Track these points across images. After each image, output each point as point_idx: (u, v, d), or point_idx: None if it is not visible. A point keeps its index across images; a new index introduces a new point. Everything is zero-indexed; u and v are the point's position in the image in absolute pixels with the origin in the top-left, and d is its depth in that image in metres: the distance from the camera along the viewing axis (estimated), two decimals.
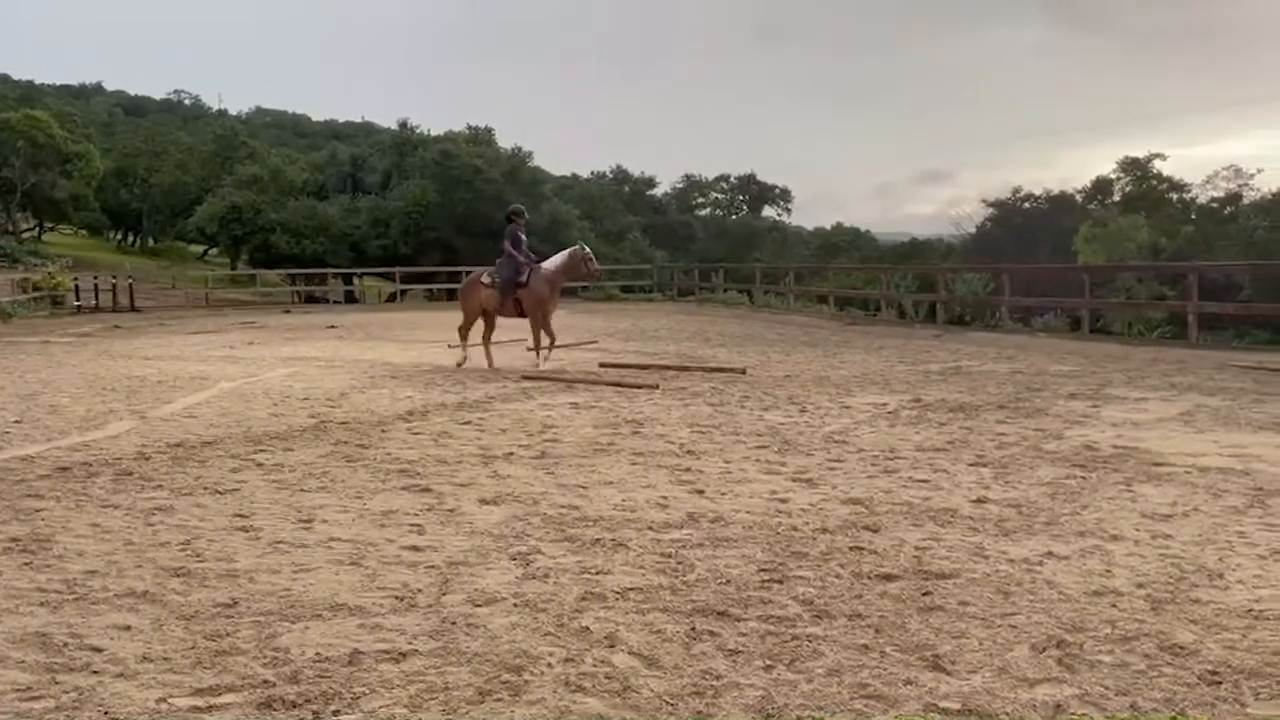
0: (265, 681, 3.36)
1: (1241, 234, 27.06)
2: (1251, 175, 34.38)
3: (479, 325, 14.35)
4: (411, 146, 43.42)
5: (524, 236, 14.74)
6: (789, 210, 64.34)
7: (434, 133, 45.19)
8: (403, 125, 45.86)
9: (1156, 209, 38.79)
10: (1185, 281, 18.62)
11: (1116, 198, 43.08)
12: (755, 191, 61.83)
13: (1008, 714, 3.04)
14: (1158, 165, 43.35)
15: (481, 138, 44.88)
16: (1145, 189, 43.09)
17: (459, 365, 13.99)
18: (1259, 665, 3.38)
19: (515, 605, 4.10)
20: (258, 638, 3.75)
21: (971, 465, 7.02)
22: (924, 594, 4.17)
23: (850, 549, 4.89)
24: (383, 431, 8.66)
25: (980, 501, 5.92)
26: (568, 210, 44.70)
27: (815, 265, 37.72)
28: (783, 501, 5.96)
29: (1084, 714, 3.03)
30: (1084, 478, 6.56)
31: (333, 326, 23.59)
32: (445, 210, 40.34)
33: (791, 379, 12.45)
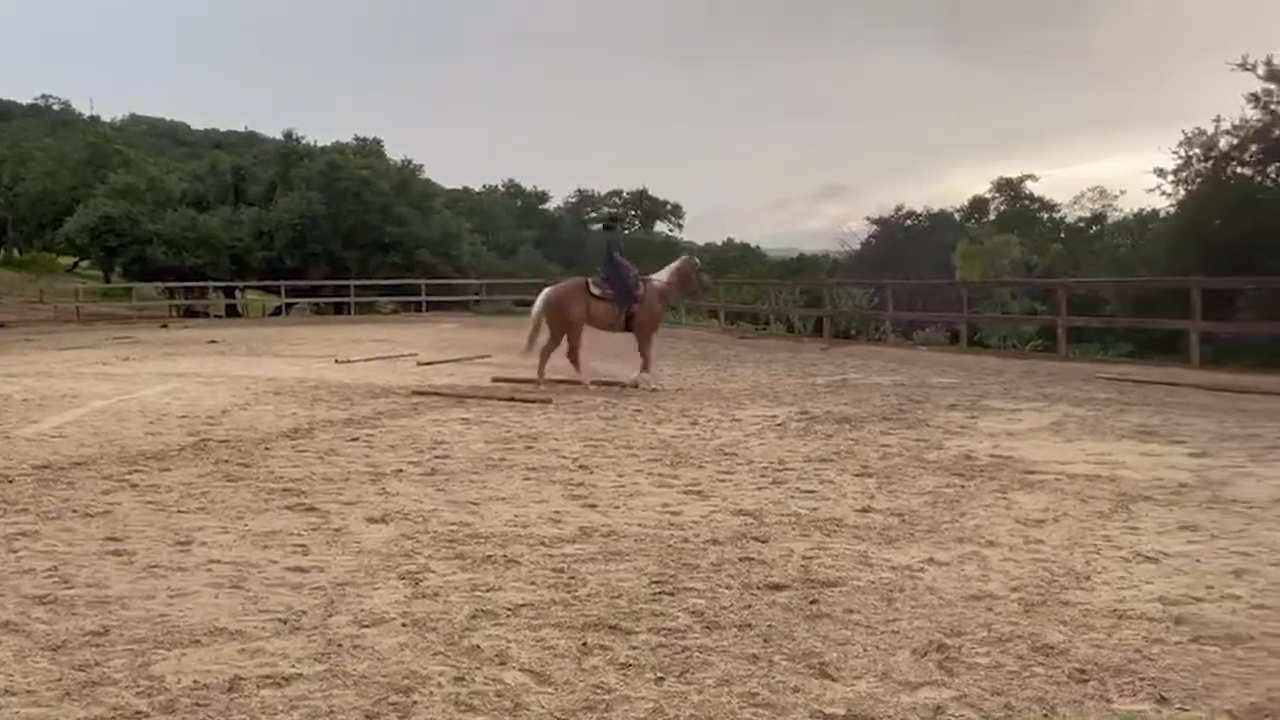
0: (139, 712, 3.21)
1: (1106, 252, 28.51)
2: (1115, 196, 36.29)
3: (543, 334, 13.01)
4: (297, 157, 42.38)
5: (622, 245, 14.05)
6: (680, 226, 65.21)
7: (321, 144, 44.20)
8: (288, 135, 44.72)
9: (1029, 227, 40.57)
10: (1055, 297, 19.52)
11: (992, 216, 44.94)
12: (647, 207, 62.43)
13: (890, 718, 3.12)
14: (1030, 186, 45.44)
15: (370, 149, 44.12)
16: (1018, 208, 45.08)
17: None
18: (1123, 663, 3.56)
19: (404, 625, 4.03)
20: (131, 666, 3.59)
21: (857, 476, 7.21)
22: (811, 603, 4.26)
23: (740, 560, 4.97)
24: (266, 449, 8.39)
25: (865, 511, 6.08)
26: (459, 223, 44.26)
27: (706, 281, 38.17)
28: (674, 514, 6.01)
29: (961, 715, 3.14)
30: (963, 486, 6.81)
31: (214, 341, 22.77)
32: (332, 222, 39.47)
33: (684, 392, 12.58)
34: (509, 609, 4.21)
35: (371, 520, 5.86)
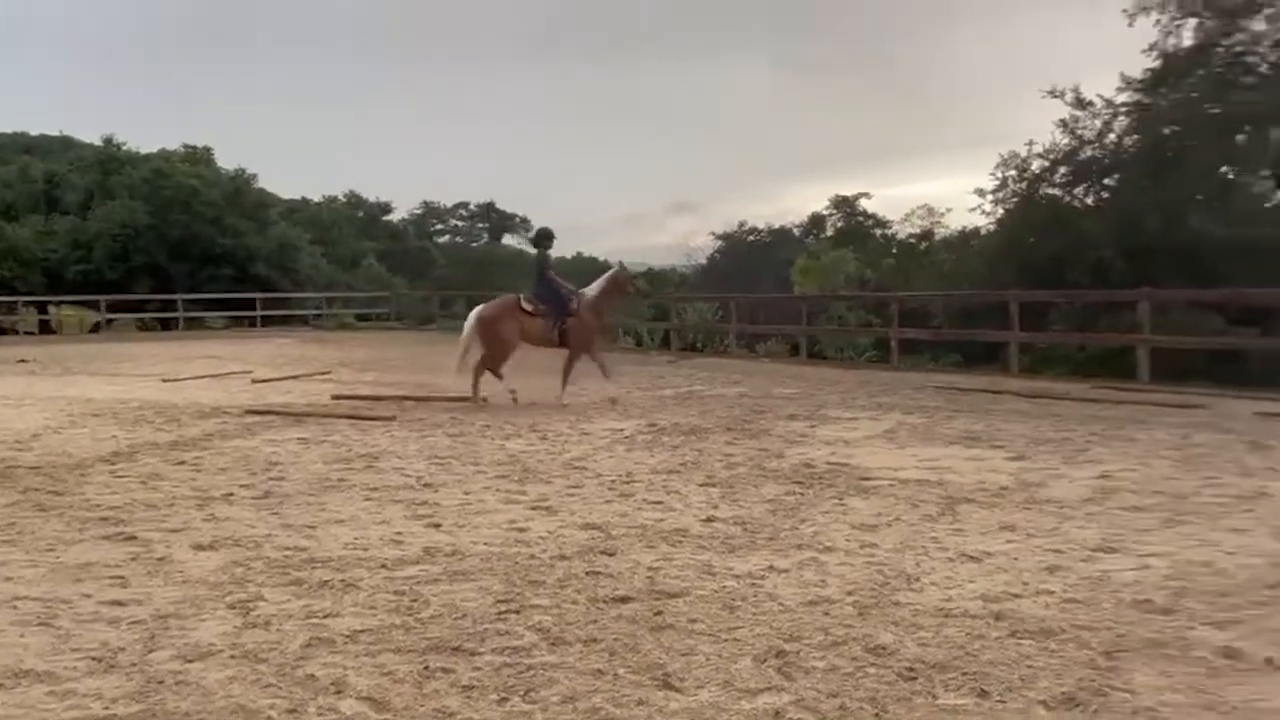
0: None
1: (934, 266, 29.99)
2: (942, 214, 38.22)
3: (474, 353, 12.86)
4: (118, 164, 39.94)
5: (553, 261, 13.50)
6: (530, 239, 65.10)
7: (145, 150, 41.82)
8: (107, 141, 42.10)
9: (864, 243, 42.29)
10: (888, 310, 20.43)
11: (830, 232, 46.67)
12: (495, 220, 61.95)
13: None
14: (864, 203, 47.45)
15: (200, 157, 42.02)
16: (854, 225, 46.98)
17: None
18: (948, 659, 3.73)
19: (232, 657, 3.83)
20: None
21: (702, 486, 7.33)
22: (656, 614, 4.29)
23: (587, 574, 4.96)
24: (81, 475, 7.85)
25: (709, 520, 6.18)
26: (298, 234, 42.73)
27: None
28: (522, 530, 5.95)
29: (800, 718, 3.22)
30: (802, 494, 7.01)
31: (24, 361, 21.16)
32: (158, 233, 37.41)
33: (534, 407, 12.50)
34: (346, 636, 4.06)
35: (199, 548, 5.55)
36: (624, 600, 4.50)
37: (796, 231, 48.05)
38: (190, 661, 3.79)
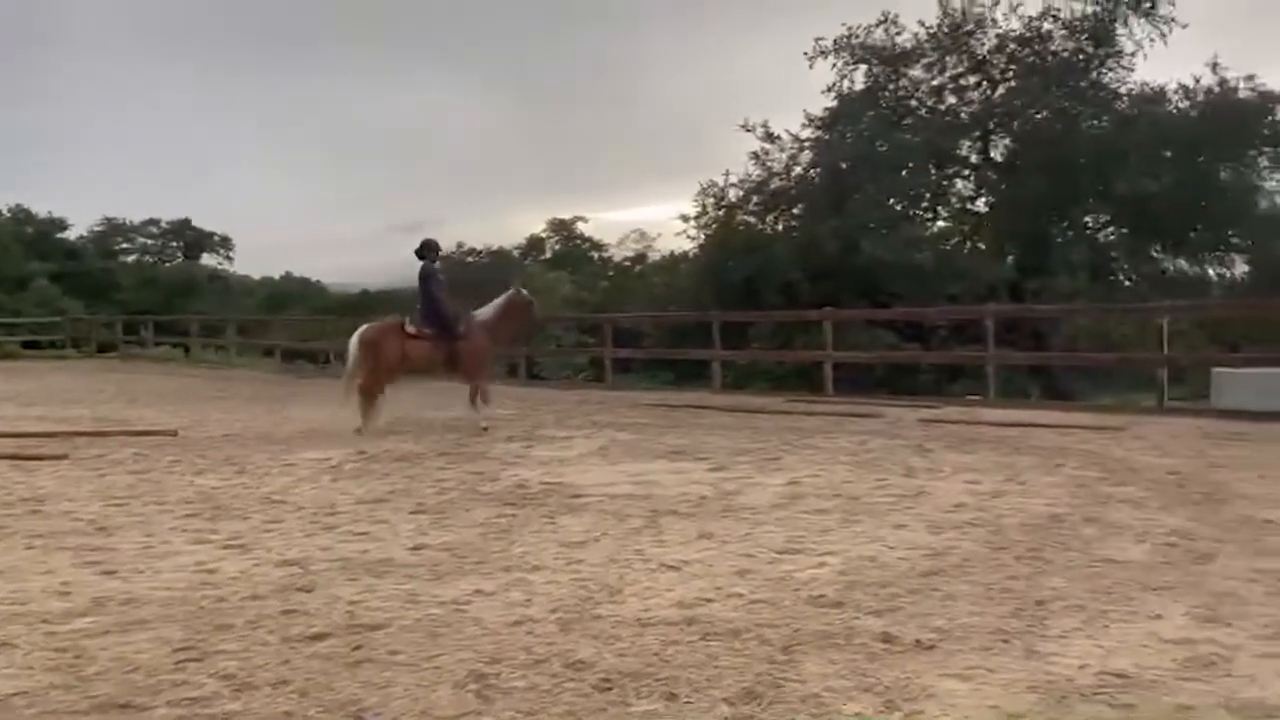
0: None
1: (646, 288, 31.24)
2: (655, 238, 39.87)
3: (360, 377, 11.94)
4: None
5: (444, 277, 12.23)
6: (230, 258, 60.94)
7: None
8: None
9: (580, 265, 43.27)
10: (602, 330, 21.01)
11: (548, 255, 47.37)
12: (191, 238, 57.54)
13: None
14: (581, 226, 48.57)
15: None
16: (571, 247, 47.97)
17: (359, 431, 11.62)
18: (642, 667, 3.88)
19: None
20: None
21: (411, 513, 7.18)
22: (354, 649, 4.15)
23: (281, 613, 4.71)
24: None
25: (418, 548, 6.06)
26: None
27: (261, 317, 36.06)
28: (210, 572, 5.55)
29: None
30: (514, 515, 7.05)
31: None
32: None
33: (231, 438, 11.74)
34: None
35: None
36: (320, 637, 4.32)
37: (516, 253, 48.35)
38: None
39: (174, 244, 56.87)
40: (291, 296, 48.53)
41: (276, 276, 57.84)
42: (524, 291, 12.99)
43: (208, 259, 58.43)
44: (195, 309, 40.57)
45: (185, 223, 57.51)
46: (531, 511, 7.17)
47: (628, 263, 41.21)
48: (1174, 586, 4.95)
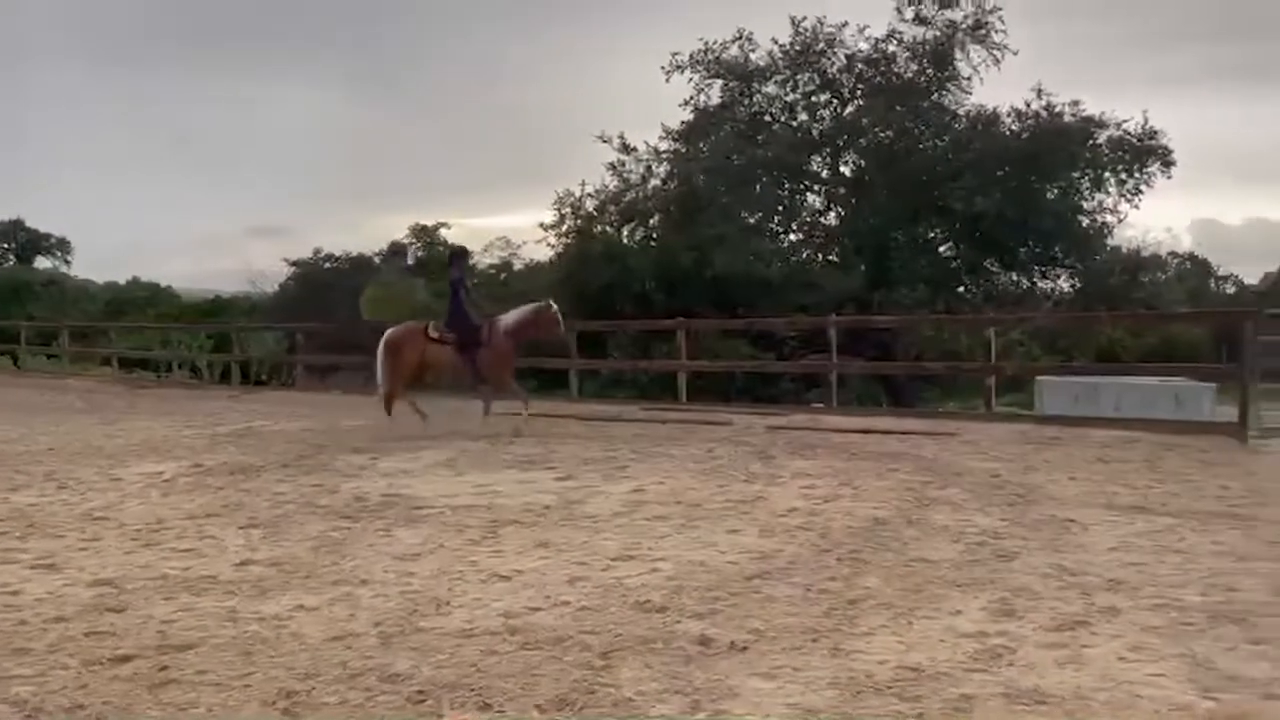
0: None
1: (511, 295, 31.05)
2: (519, 246, 39.63)
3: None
4: None
5: (468, 283, 12.30)
6: (69, 261, 57.58)
7: None
8: None
9: (443, 272, 42.63)
10: None
11: (410, 261, 46.49)
12: (25, 240, 54.12)
13: None
14: (444, 233, 47.88)
15: None
16: (433, 253, 47.23)
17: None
18: (459, 678, 3.89)
19: None
20: None
21: (242, 528, 6.96)
22: (160, 670, 4.01)
23: (86, 635, 4.51)
24: None
25: (244, 564, 5.89)
26: None
27: (97, 323, 34.17)
28: (13, 594, 5.26)
29: None
30: (349, 528, 6.92)
31: None
32: None
33: (56, 452, 11.11)
34: None
35: None
36: (125, 659, 4.16)
37: (377, 259, 47.29)
38: None
39: (4, 246, 53.41)
40: (136, 302, 46.22)
41: (122, 281, 55.04)
42: (553, 305, 12.88)
43: (43, 262, 55.14)
44: (32, 315, 38.10)
45: (18, 224, 54.13)
46: (368, 524, 7.05)
47: (492, 270, 40.86)
48: (977, 583, 5.27)
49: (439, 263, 45.62)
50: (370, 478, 9.17)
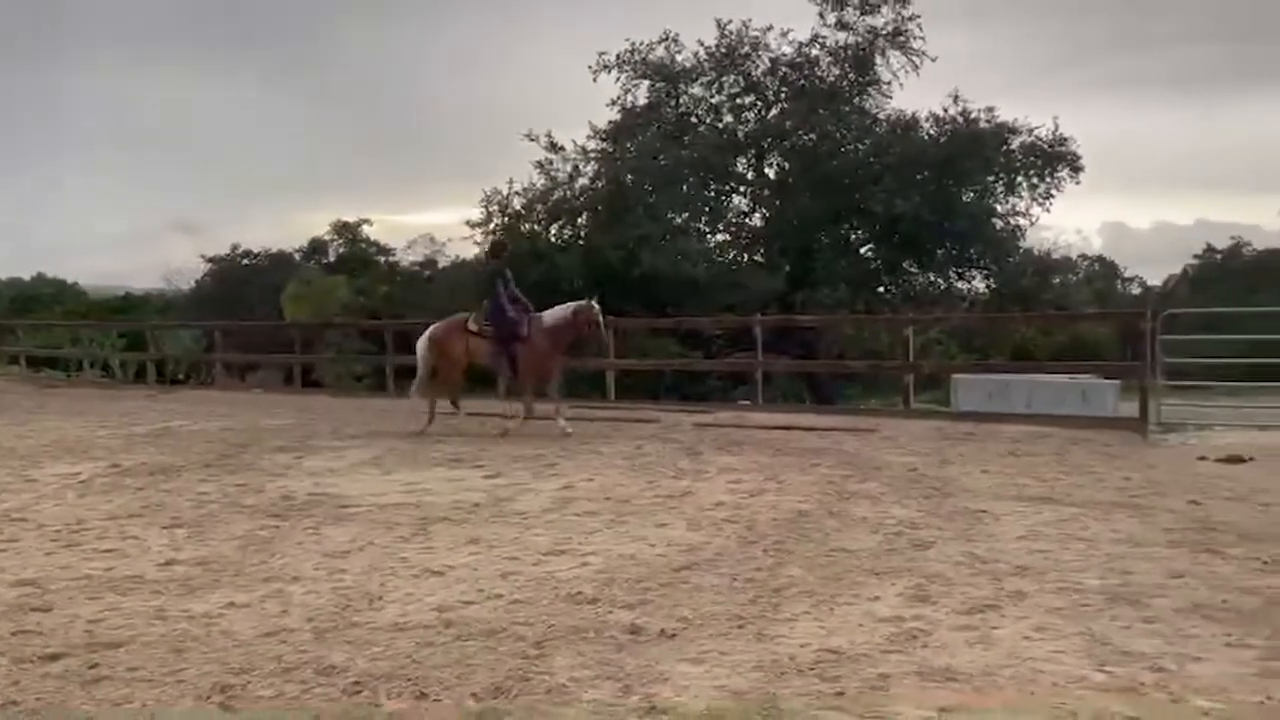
0: None
1: (438, 292, 30.76)
2: (444, 244, 39.23)
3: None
4: None
5: (510, 277, 12.00)
6: None
7: None
8: None
9: (366, 269, 42.02)
10: (384, 337, 20.62)
11: (332, 258, 45.74)
12: None
13: None
14: (366, 229, 47.18)
15: None
16: (355, 250, 46.51)
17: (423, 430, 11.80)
18: (394, 669, 3.96)
19: None
20: None
21: (165, 528, 6.89)
22: (91, 667, 4.01)
23: (14, 634, 4.47)
24: None
25: (169, 564, 5.85)
26: None
27: (3, 321, 32.95)
28: None
29: None
30: (277, 527, 6.89)
31: None
32: None
33: None
34: None
35: None
36: (54, 657, 4.14)
37: (297, 256, 46.42)
38: None
39: None
40: (42, 299, 44.69)
41: (27, 277, 53.16)
42: (595, 305, 12.45)
43: None
44: None
45: None
46: (296, 523, 7.03)
47: (416, 267, 40.42)
48: (894, 571, 5.50)
49: (360, 260, 45.07)
50: (296, 477, 9.11)
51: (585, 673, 3.94)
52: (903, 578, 5.35)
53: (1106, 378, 14.49)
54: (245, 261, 43.61)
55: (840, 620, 4.62)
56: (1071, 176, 24.31)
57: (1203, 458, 9.58)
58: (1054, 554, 5.83)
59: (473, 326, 12.37)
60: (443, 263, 38.55)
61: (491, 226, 24.66)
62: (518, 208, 24.50)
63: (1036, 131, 24.08)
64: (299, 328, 24.21)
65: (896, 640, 4.31)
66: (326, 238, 47.84)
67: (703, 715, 3.53)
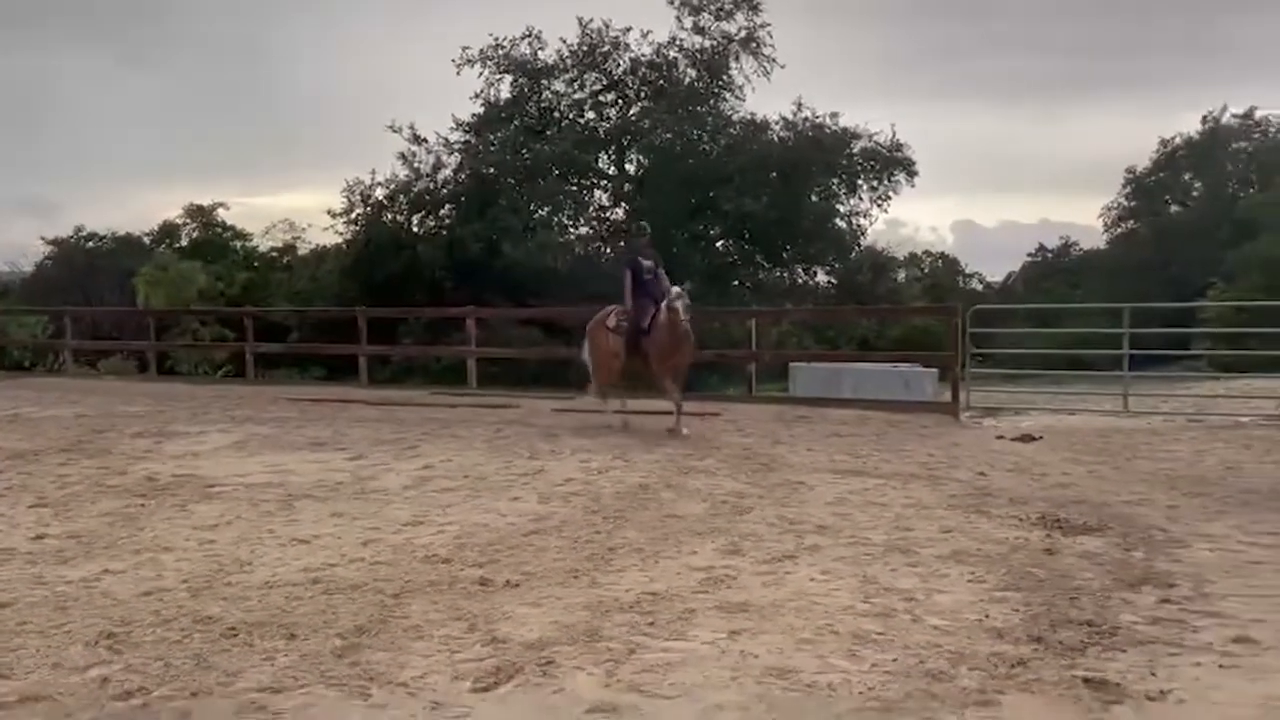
0: None
1: (293, 281, 30.41)
2: (304, 229, 38.60)
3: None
4: None
5: (650, 265, 11.10)
6: None
7: None
8: None
9: (221, 255, 40.88)
10: (243, 324, 20.49)
11: (185, 242, 44.22)
12: None
13: (62, 693, 3.59)
14: (221, 213, 45.79)
15: None
16: (210, 235, 45.10)
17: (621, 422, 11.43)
18: (268, 618, 4.50)
19: None
20: None
21: (31, 507, 7.13)
22: None
23: None
24: None
25: (40, 538, 6.16)
26: None
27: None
28: None
29: (126, 679, 3.74)
30: (144, 505, 7.22)
31: None
32: None
33: None
34: None
35: None
36: None
37: (147, 240, 44.70)
38: None
39: None
40: None
41: None
42: (681, 299, 10.77)
43: None
44: None
45: None
46: (163, 501, 7.36)
47: (275, 253, 39.61)
48: (715, 531, 6.30)
49: (215, 245, 43.76)
50: (158, 460, 9.34)
51: (438, 615, 4.56)
52: (721, 537, 6.15)
53: (925, 366, 15.88)
54: (89, 244, 41.78)
55: (661, 570, 5.37)
56: (907, 180, 26.07)
57: (1000, 437, 10.83)
58: (852, 516, 6.74)
59: (610, 324, 11.55)
60: (304, 249, 37.96)
61: (354, 215, 24.69)
62: (380, 198, 24.61)
63: (876, 137, 25.73)
64: (153, 314, 23.69)
65: (706, 584, 5.09)
66: (179, 221, 46.20)
67: (534, 643, 4.21)
